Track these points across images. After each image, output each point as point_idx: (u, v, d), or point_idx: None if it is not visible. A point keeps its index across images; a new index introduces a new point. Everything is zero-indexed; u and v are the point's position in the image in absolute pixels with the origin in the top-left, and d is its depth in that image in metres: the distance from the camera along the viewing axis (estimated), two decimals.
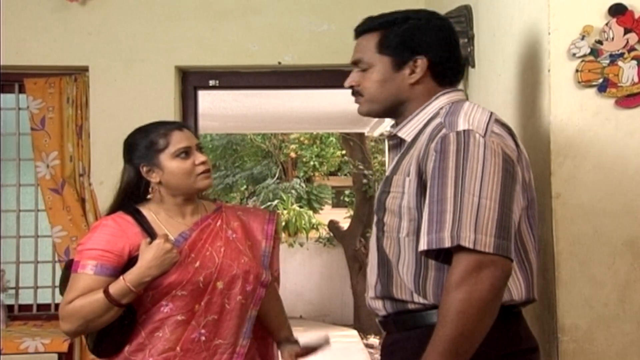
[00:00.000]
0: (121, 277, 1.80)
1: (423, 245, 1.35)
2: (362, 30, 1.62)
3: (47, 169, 3.10)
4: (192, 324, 1.86)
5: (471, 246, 1.30)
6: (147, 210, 1.94)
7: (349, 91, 1.67)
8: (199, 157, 1.92)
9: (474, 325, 1.30)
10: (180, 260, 1.84)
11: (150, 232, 1.88)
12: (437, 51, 1.56)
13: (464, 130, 1.40)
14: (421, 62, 1.55)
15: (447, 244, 1.32)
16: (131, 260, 1.84)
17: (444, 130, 1.43)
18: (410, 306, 1.49)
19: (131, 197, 1.95)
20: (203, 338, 1.87)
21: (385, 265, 1.53)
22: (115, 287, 1.78)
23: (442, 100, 1.55)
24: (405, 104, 1.58)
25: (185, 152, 1.91)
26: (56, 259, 3.16)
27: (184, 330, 1.86)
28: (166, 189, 1.93)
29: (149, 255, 1.79)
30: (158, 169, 1.91)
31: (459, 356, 1.30)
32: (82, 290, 1.81)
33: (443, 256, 1.37)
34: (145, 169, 1.93)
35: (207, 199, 2.08)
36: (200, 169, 1.92)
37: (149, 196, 1.96)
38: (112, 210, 1.96)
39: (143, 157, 1.92)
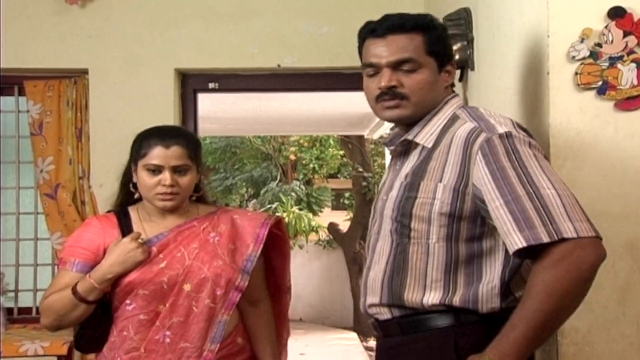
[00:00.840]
0: (87, 275, 1.85)
1: (521, 242, 1.33)
2: (405, 28, 1.55)
3: (42, 174, 3.11)
4: (157, 324, 1.87)
5: (575, 235, 1.30)
6: (134, 211, 1.98)
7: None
8: (166, 179, 1.89)
9: (566, 302, 1.31)
10: (148, 259, 1.87)
11: (127, 233, 1.91)
12: (453, 58, 1.62)
13: (505, 132, 1.42)
14: (451, 68, 1.59)
15: (546, 239, 1.31)
16: None
17: (484, 134, 1.43)
18: (421, 310, 1.49)
19: (123, 192, 2.01)
20: (168, 340, 1.87)
21: (400, 272, 1.52)
22: (81, 284, 1.84)
23: (452, 105, 1.58)
24: (434, 109, 1.58)
25: (156, 169, 1.90)
26: (56, 262, 3.16)
27: (148, 330, 1.87)
28: None
29: (113, 254, 1.85)
30: (136, 174, 1.96)
31: (546, 331, 1.31)
32: (60, 286, 1.87)
33: (525, 253, 1.36)
34: (133, 167, 1.97)
35: (207, 202, 2.08)
36: (160, 189, 1.90)
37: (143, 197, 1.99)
38: (115, 204, 2.03)
39: (133, 157, 1.98)
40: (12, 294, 3.22)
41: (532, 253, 1.35)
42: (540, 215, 1.32)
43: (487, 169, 1.39)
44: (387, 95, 1.55)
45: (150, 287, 1.86)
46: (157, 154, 1.90)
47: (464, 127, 1.48)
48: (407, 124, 1.60)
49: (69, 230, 3.06)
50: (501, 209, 1.36)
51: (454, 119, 1.53)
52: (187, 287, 1.88)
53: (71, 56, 3.10)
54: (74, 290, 1.83)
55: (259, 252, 1.99)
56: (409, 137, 1.57)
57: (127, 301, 1.88)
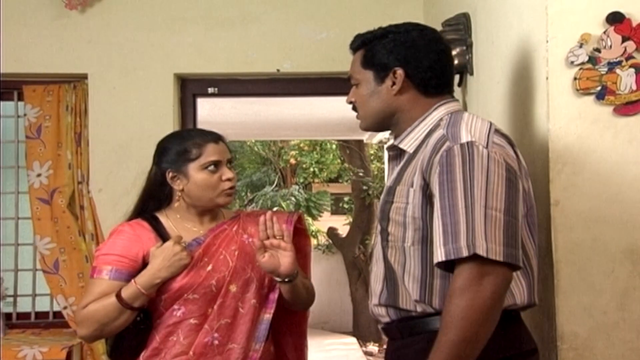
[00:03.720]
0: (132, 281, 1.82)
1: (441, 256, 1.36)
2: (353, 48, 1.68)
3: (37, 178, 3.09)
4: (205, 327, 1.86)
5: (484, 254, 1.33)
6: (164, 217, 1.96)
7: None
8: (227, 174, 1.92)
9: (476, 330, 1.32)
10: (193, 263, 1.86)
11: (165, 238, 1.89)
12: (414, 62, 1.59)
13: (467, 142, 1.42)
14: (399, 73, 1.59)
15: (465, 253, 1.34)
16: (146, 266, 1.86)
17: (447, 143, 1.45)
18: (414, 314, 1.51)
19: (153, 199, 1.97)
20: (216, 342, 1.86)
21: (391, 275, 1.55)
22: (127, 291, 1.81)
23: (441, 111, 1.58)
24: (396, 115, 1.62)
25: (215, 165, 1.91)
26: (39, 268, 3.14)
27: (197, 334, 1.86)
28: (187, 198, 1.94)
29: (159, 258, 1.82)
30: (184, 177, 1.92)
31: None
32: (97, 295, 1.84)
33: (453, 265, 1.39)
34: (171, 174, 1.93)
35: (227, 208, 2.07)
36: (226, 185, 1.92)
37: (176, 203, 1.95)
38: (134, 212, 1.98)
39: (172, 162, 1.93)
40: (10, 299, 3.22)
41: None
42: (467, 229, 1.35)
43: (438, 179, 1.42)
44: (353, 109, 1.70)
45: (200, 291, 1.86)
46: (213, 151, 1.92)
47: (436, 134, 1.51)
48: (391, 131, 1.67)
49: (61, 237, 3.05)
50: (437, 219, 1.39)
51: (437, 125, 1.55)
52: (233, 288, 1.89)
53: (70, 61, 3.11)
54: (119, 297, 1.80)
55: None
56: (396, 142, 1.62)
57: (175, 306, 1.86)
